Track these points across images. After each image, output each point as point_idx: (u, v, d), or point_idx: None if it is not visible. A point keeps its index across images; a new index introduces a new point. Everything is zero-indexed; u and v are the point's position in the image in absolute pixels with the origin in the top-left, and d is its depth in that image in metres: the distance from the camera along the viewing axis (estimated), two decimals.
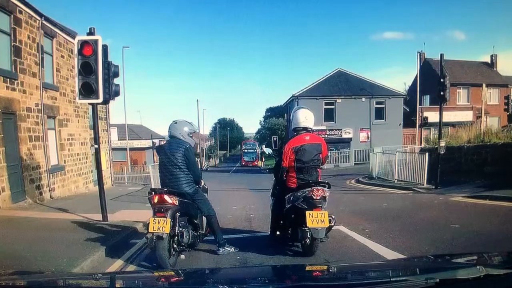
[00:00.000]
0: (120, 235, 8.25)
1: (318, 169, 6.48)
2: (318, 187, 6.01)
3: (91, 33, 8.98)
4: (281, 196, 6.51)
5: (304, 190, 6.08)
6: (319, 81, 41.49)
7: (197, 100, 61.16)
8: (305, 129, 6.55)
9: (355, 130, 40.37)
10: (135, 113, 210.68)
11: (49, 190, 15.77)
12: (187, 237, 6.05)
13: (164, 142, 7.76)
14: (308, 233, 5.84)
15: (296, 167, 6.32)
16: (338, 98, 39.56)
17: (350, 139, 40.39)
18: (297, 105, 37.48)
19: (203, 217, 6.68)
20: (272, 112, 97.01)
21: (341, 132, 40.09)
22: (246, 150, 71.08)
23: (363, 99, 39.96)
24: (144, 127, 58.43)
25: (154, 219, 5.62)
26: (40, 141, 15.13)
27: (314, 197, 5.91)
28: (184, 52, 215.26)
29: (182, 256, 6.12)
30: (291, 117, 6.82)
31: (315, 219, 5.72)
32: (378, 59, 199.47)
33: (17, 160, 13.48)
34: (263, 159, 71.69)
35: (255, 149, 71.40)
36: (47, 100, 16.08)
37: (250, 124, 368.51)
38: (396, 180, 18.77)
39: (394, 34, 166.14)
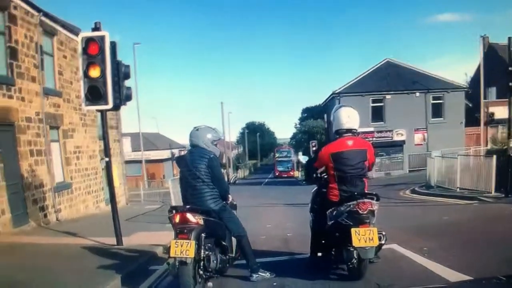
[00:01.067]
0: (138, 261, 8.37)
1: (364, 179, 6.34)
2: (365, 200, 5.88)
3: (96, 28, 8.94)
4: (321, 212, 6.41)
5: (348, 203, 5.94)
6: (364, 74, 41.21)
7: (221, 103, 61.08)
8: (349, 130, 6.44)
9: (409, 131, 39.92)
10: (151, 120, 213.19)
11: (55, 212, 16.07)
12: (215, 261, 5.92)
13: (185, 152, 7.78)
14: (354, 253, 5.70)
15: (337, 177, 6.21)
16: (387, 94, 39.25)
17: (403, 142, 39.96)
18: (339, 103, 37.50)
19: (233, 238, 6.59)
20: (309, 113, 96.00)
21: (392, 134, 39.75)
22: (280, 159, 70.99)
23: (417, 94, 39.53)
24: (161, 135, 59.23)
25: (176, 241, 5.51)
26: (42, 155, 15.37)
27: (360, 211, 5.80)
28: (204, 50, 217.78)
29: (210, 284, 5.93)
30: (331, 118, 6.70)
31: (363, 237, 5.59)
32: (432, 46, 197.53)
33: (17, 178, 13.67)
34: (300, 169, 71.33)
35: (291, 157, 71.25)
36: (49, 108, 16.43)
37: (284, 128, 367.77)
38: (458, 189, 18.54)
39: (451, 16, 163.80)
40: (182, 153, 59.53)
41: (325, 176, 6.48)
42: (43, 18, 16.09)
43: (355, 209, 5.84)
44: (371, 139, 37.58)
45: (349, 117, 6.49)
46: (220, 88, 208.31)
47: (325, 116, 47.94)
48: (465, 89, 41.67)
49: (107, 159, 10.37)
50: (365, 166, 6.34)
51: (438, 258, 7.11)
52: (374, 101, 39.25)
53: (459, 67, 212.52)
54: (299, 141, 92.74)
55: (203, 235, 5.78)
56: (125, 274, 7.25)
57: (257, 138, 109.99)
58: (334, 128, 6.57)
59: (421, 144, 39.81)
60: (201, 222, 5.75)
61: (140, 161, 39.83)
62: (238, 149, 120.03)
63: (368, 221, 5.81)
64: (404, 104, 38.73)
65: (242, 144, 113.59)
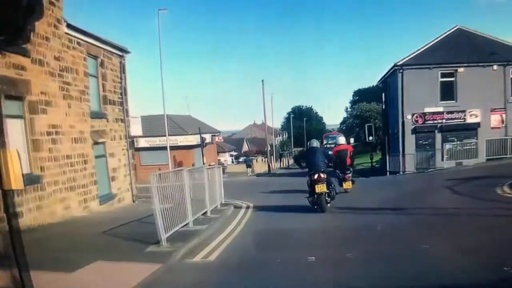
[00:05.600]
0: None
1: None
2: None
3: None
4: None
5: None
6: (431, 44, 35.25)
7: (262, 81, 56.27)
8: None
9: (484, 111, 33.90)
10: (182, 101, 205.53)
11: (11, 216, 11.50)
12: (332, 193, 14.23)
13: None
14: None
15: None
16: (459, 67, 33.36)
17: (477, 124, 33.91)
18: (401, 78, 32.19)
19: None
20: (362, 96, 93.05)
21: (464, 115, 33.81)
22: (329, 146, 65.51)
23: (495, 67, 33.38)
24: (193, 118, 55.12)
25: (317, 185, 13.52)
26: None
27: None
28: (245, 25, 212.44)
29: (329, 205, 14.02)
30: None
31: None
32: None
33: None
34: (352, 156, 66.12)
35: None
36: (6, 69, 12.02)
37: (333, 113, 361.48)
38: None
39: None
40: (217, 139, 56.72)
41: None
42: None
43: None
44: (440, 121, 32.83)
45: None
46: (261, 70, 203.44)
47: (383, 96, 42.51)
48: None
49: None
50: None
51: None
52: (443, 75, 33.37)
53: None
54: (350, 127, 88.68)
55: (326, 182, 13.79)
56: None
57: (303, 123, 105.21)
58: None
59: (499, 127, 33.71)
60: (325, 177, 13.81)
61: (164, 148, 36.09)
62: (283, 135, 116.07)
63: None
64: (479, 79, 32.69)
65: (287, 130, 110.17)
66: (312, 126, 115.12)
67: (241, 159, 72.76)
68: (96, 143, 17.21)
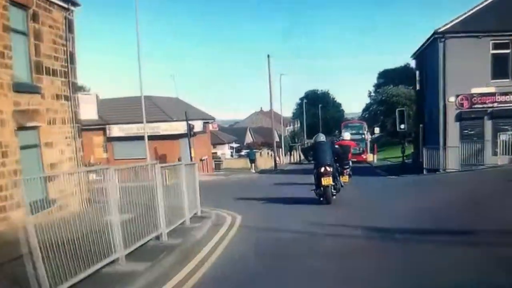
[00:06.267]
0: None
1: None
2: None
3: None
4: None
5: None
6: (481, 6, 32.12)
7: (268, 56, 52.91)
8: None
9: None
10: (168, 80, 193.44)
11: None
12: (337, 186, 16.68)
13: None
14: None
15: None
16: None
17: None
18: (443, 49, 30.74)
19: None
20: (388, 78, 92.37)
21: None
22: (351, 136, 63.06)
23: None
24: (182, 102, 51.39)
25: (324, 178, 15.62)
26: None
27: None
28: None
29: (334, 197, 16.37)
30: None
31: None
32: None
33: None
34: (376, 149, 63.43)
35: (363, 134, 64.70)
36: None
37: (352, 99, 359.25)
38: None
39: None
40: (211, 127, 53.85)
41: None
42: None
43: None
44: (491, 104, 29.94)
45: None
46: (272, 50, 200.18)
47: (416, 74, 39.25)
48: None
49: None
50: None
51: None
52: (496, 46, 30.28)
53: None
54: (374, 114, 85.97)
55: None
56: None
57: (319, 111, 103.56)
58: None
59: None
60: (331, 170, 15.94)
61: (141, 138, 33.02)
62: (294, 124, 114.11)
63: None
64: None
65: (299, 119, 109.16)
66: (329, 114, 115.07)
67: (244, 152, 69.94)
68: (22, 127, 14.07)
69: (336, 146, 18.83)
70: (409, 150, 44.52)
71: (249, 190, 27.19)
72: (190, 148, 38.05)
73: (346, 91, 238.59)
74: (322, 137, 17.59)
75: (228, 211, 16.23)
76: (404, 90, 77.35)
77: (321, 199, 16.25)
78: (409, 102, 68.89)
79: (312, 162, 17.25)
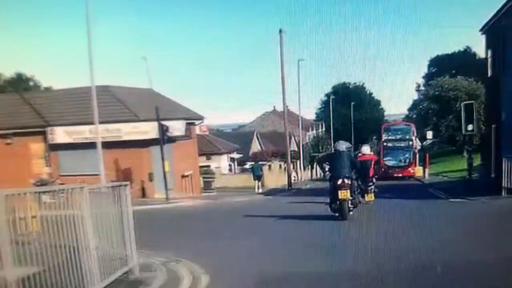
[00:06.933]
0: None
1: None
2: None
3: None
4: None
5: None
6: None
7: (280, 31, 48.38)
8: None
9: None
10: (140, 64, 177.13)
11: None
12: (355, 200, 19.43)
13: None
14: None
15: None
16: None
17: None
18: None
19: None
20: (443, 66, 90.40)
21: None
22: (390, 143, 60.90)
23: None
24: (158, 95, 46.99)
25: (341, 191, 18.06)
26: None
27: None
28: None
29: (351, 213, 18.93)
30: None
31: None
32: None
33: None
34: (428, 160, 59.38)
35: (411, 140, 60.91)
36: None
37: (397, 94, 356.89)
38: None
39: None
40: (199, 130, 50.69)
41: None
42: None
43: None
44: None
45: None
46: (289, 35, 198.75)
47: (488, 54, 35.72)
48: None
49: None
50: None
51: None
52: None
53: None
54: (424, 113, 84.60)
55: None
56: None
57: (350, 110, 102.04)
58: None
59: None
60: (349, 183, 18.75)
61: (91, 145, 30.68)
62: (317, 128, 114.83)
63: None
64: None
65: (325, 121, 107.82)
66: (364, 114, 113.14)
67: (249, 164, 66.32)
68: None
69: (356, 158, 22.28)
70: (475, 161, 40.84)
71: (241, 222, 22.95)
72: (163, 159, 34.46)
73: (387, 84, 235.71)
74: (343, 146, 20.19)
75: (192, 264, 12.78)
76: (464, 82, 74.46)
77: (337, 214, 18.72)
78: (469, 99, 65.12)
79: (328, 174, 19.56)
